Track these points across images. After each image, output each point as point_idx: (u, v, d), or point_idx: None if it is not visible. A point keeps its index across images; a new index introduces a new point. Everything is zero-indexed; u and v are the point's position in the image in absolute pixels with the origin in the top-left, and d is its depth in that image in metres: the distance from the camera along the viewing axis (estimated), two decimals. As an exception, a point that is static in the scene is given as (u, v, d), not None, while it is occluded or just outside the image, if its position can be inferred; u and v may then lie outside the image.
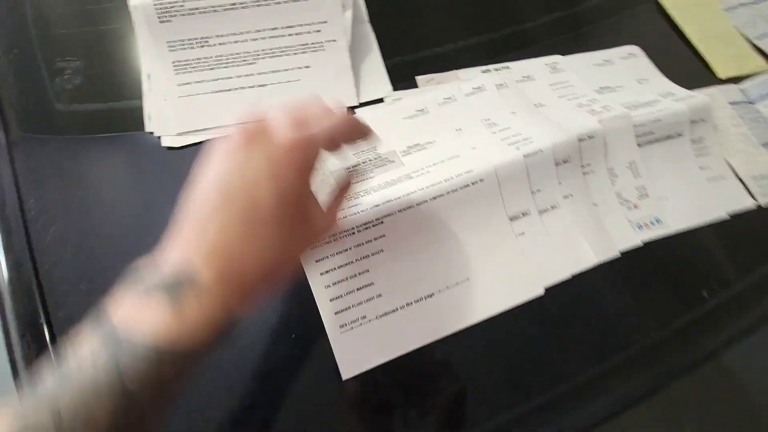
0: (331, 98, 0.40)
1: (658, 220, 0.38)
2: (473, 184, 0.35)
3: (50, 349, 0.32)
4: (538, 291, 0.34)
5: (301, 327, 0.33)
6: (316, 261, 0.33)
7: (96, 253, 0.35)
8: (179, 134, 0.40)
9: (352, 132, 0.25)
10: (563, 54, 0.47)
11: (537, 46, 0.47)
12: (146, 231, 0.36)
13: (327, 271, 0.33)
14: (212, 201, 0.21)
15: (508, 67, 0.45)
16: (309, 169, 0.23)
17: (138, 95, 0.41)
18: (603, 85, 0.45)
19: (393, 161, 0.39)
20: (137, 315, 0.19)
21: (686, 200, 0.39)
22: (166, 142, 0.39)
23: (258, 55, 0.41)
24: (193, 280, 0.19)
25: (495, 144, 0.39)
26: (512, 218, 0.36)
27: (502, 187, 0.36)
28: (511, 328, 0.34)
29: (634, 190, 0.39)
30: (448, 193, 0.35)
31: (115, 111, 0.41)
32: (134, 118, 0.40)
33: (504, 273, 0.34)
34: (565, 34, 0.50)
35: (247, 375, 0.31)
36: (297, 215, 0.23)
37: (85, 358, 0.18)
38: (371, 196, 0.36)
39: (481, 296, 0.34)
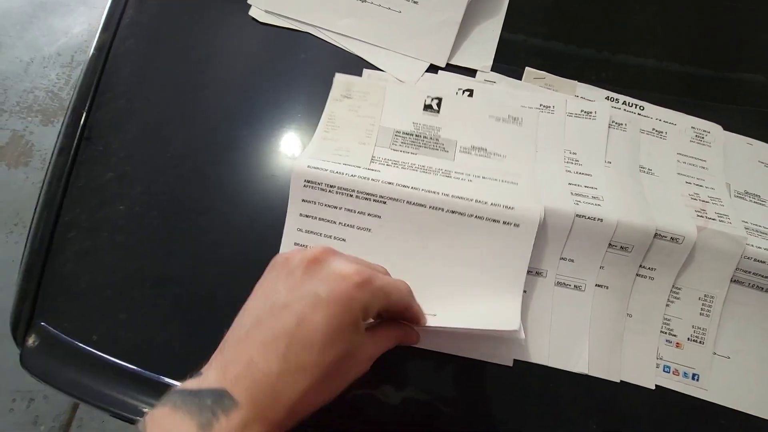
0: (419, 46, 0.36)
1: (695, 377, 0.29)
2: (505, 224, 0.29)
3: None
4: (506, 361, 0.29)
5: (254, 258, 0.32)
6: (303, 200, 0.31)
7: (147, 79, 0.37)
8: (267, 11, 0.38)
9: (407, 311, 0.25)
10: (727, 127, 0.35)
11: (700, 102, 0.36)
12: (186, 80, 0.37)
13: (307, 216, 0.31)
14: (255, 318, 0.21)
15: (642, 108, 0.36)
16: (363, 309, 0.21)
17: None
18: (752, 191, 0.34)
19: (447, 152, 0.34)
20: (169, 428, 0.19)
21: (759, 379, 0.29)
22: (253, 11, 0.39)
23: (373, -34, 0.36)
24: (224, 402, 0.19)
25: (557, 182, 0.31)
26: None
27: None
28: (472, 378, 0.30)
29: (690, 327, 0.30)
30: (471, 216, 0.29)
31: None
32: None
33: (479, 322, 0.29)
34: (751, 104, 0.37)
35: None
36: (343, 351, 0.21)
37: None
38: (394, 170, 0.32)
39: (443, 333, 0.29)
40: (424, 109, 0.35)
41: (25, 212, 1.08)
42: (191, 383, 0.20)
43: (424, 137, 0.34)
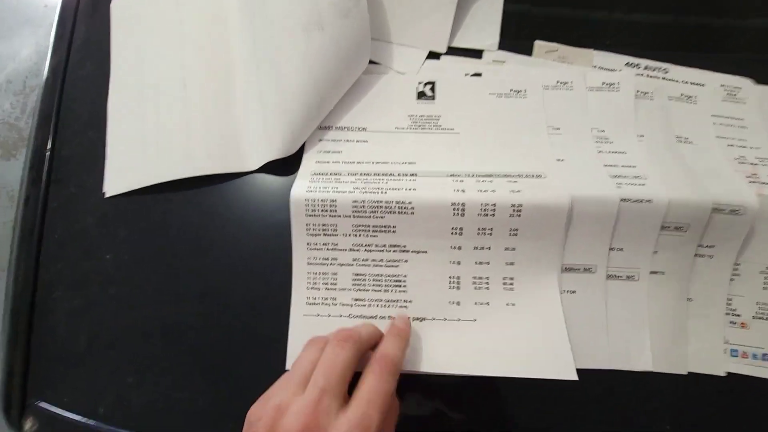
0: (415, 33, 0.32)
1: (766, 357, 0.27)
2: (532, 217, 0.26)
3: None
4: (569, 373, 0.25)
5: (269, 289, 0.29)
6: (307, 231, 0.27)
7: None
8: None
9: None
10: (760, 80, 0.33)
11: (726, 55, 0.33)
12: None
13: (315, 246, 0.28)
14: None
15: (665, 71, 0.33)
16: None
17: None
18: (794, 145, 0.31)
19: (457, 132, 0.31)
20: None
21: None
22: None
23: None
24: None
25: (590, 166, 0.28)
26: (567, 269, 0.27)
27: (572, 227, 0.27)
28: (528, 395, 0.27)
29: (754, 304, 0.27)
30: (487, 207, 0.26)
31: None
32: None
33: (524, 329, 0.27)
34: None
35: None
36: None
37: None
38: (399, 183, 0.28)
39: (487, 346, 0.26)
40: (417, 98, 0.31)
41: None
42: None
43: (423, 129, 0.30)
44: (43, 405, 0.27)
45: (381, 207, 0.27)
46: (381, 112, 0.31)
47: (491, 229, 0.27)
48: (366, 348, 0.23)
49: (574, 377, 0.25)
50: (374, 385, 0.20)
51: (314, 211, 0.27)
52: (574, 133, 0.30)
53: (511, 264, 0.27)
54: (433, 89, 0.32)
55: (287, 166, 0.30)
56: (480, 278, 0.28)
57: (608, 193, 0.26)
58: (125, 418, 0.26)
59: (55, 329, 0.28)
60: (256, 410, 0.20)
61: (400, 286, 0.28)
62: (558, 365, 0.25)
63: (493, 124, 0.31)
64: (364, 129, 0.31)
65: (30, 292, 0.29)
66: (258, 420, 0.19)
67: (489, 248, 0.27)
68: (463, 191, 0.27)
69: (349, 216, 0.27)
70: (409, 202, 0.27)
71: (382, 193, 0.27)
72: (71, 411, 0.26)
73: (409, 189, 0.27)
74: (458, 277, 0.28)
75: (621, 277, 0.27)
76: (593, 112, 0.31)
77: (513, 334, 0.26)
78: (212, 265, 0.29)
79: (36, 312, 0.28)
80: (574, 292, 0.27)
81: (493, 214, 0.27)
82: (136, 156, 0.31)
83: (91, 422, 0.26)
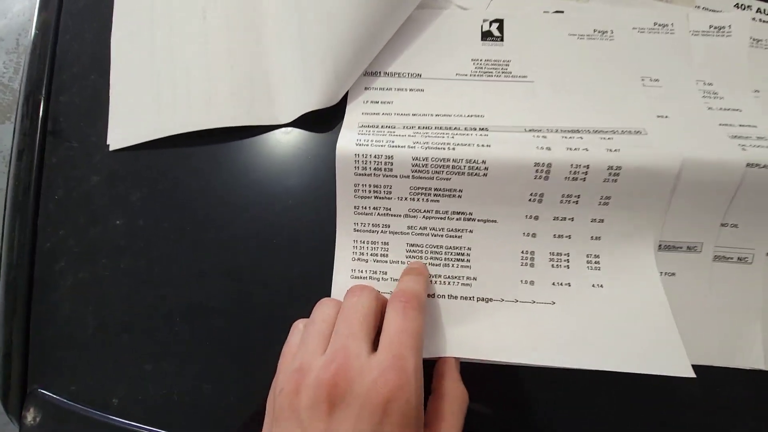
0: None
1: None
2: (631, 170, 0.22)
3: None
4: (683, 368, 0.20)
5: (309, 261, 0.24)
6: (355, 192, 0.23)
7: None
8: None
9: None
10: None
11: None
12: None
13: (364, 210, 0.23)
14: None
15: (783, 14, 0.27)
16: (418, 404, 0.17)
17: None
18: None
19: (531, 80, 0.26)
20: None
21: None
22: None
23: None
24: None
25: (702, 124, 0.24)
26: (665, 246, 0.23)
27: (676, 197, 0.22)
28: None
29: None
30: (582, 169, 0.22)
31: None
32: None
33: (619, 316, 0.22)
34: None
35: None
36: None
37: None
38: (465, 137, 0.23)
39: (571, 334, 0.22)
40: (482, 39, 0.26)
41: None
42: None
43: (489, 76, 0.25)
44: (46, 393, 0.23)
45: (448, 166, 0.22)
46: (439, 55, 0.26)
47: (578, 197, 0.22)
48: (384, 300, 0.21)
49: (690, 374, 0.20)
50: (400, 324, 0.18)
51: (365, 169, 0.23)
52: (676, 86, 0.25)
53: (597, 239, 0.23)
54: (500, 28, 0.26)
55: (325, 120, 0.25)
56: (558, 254, 0.23)
57: (731, 156, 0.22)
58: (143, 412, 0.22)
59: (58, 306, 0.24)
60: (276, 383, 0.18)
61: (462, 260, 0.23)
62: (668, 359, 0.21)
63: (573, 70, 0.26)
64: (419, 75, 0.26)
65: (27, 263, 0.24)
66: (280, 392, 0.17)
67: (572, 219, 0.23)
68: (548, 149, 0.22)
69: (408, 176, 0.23)
70: (483, 161, 0.22)
71: (450, 149, 0.22)
72: (79, 402, 0.22)
73: (482, 145, 0.22)
74: (532, 252, 0.23)
75: (731, 258, 0.23)
76: (698, 61, 0.26)
77: (605, 321, 0.22)
78: (240, 234, 0.24)
79: (35, 286, 0.24)
80: (673, 274, 0.23)
81: (584, 178, 0.22)
82: (145, 103, 0.26)
83: (104, 415, 0.22)
